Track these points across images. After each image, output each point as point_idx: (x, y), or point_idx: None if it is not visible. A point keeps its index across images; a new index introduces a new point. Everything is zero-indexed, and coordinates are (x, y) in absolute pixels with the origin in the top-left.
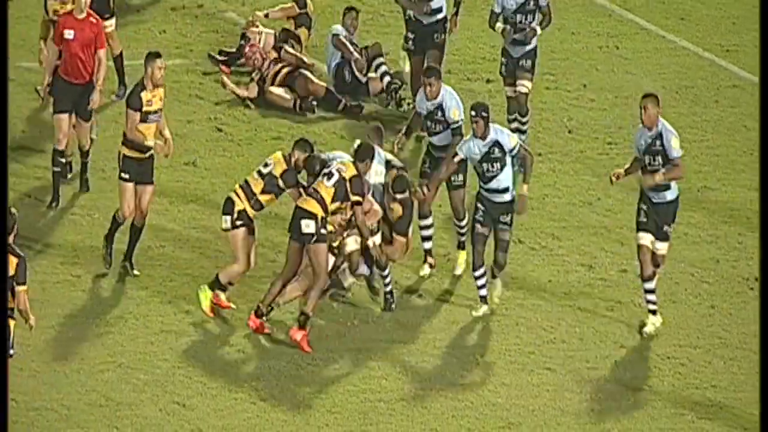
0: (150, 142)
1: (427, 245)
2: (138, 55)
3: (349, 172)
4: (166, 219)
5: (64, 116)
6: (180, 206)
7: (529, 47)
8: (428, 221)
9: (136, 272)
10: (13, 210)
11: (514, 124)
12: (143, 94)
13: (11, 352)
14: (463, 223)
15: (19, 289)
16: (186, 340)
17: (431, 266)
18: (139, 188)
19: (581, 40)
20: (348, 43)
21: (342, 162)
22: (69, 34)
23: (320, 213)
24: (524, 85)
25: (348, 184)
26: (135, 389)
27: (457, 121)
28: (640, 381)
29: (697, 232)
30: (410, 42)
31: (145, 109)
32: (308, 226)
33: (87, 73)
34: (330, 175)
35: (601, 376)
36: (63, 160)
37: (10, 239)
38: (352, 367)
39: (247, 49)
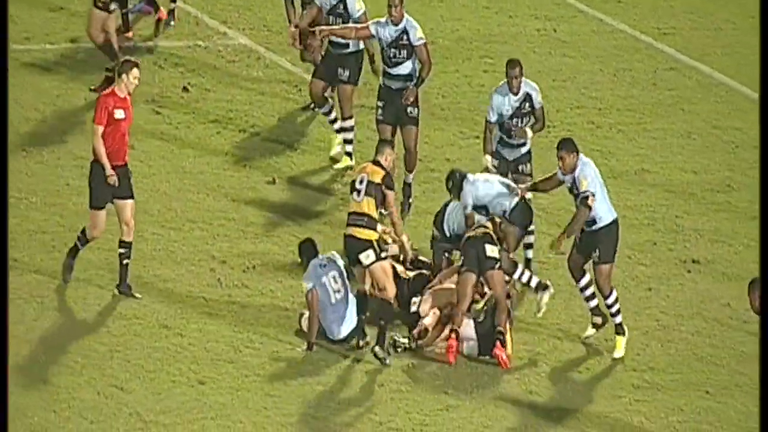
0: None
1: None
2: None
3: (377, 175)
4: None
5: (103, 212)
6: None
7: (524, 149)
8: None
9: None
10: None
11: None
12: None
13: None
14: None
15: None
16: (123, 323)
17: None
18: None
19: (519, 23)
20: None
21: (363, 169)
22: (120, 113)
23: (374, 237)
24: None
25: (382, 186)
26: (72, 373)
27: (422, 38)
28: (577, 364)
29: (634, 215)
30: None
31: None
32: (368, 257)
33: (126, 153)
34: (358, 191)
35: (539, 358)
36: (86, 245)
37: None
38: (292, 352)
39: None
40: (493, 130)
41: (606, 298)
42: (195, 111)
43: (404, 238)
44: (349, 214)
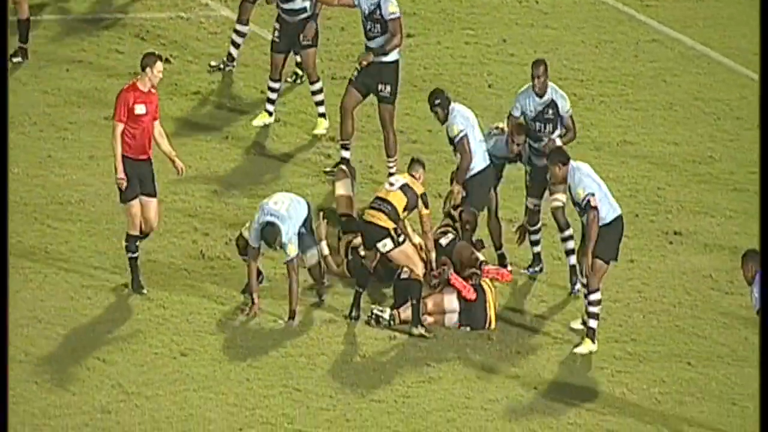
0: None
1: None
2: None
3: (417, 186)
4: (85, 173)
5: (137, 204)
6: (99, 161)
7: None
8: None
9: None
10: None
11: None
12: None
13: None
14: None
15: None
16: (106, 295)
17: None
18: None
19: None
20: None
21: (401, 176)
22: (141, 108)
23: (391, 225)
24: (559, 199)
25: (419, 198)
26: (55, 344)
27: (395, 12)
28: (558, 336)
29: (616, 187)
30: None
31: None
32: (385, 245)
33: (150, 148)
34: (392, 183)
35: (522, 326)
36: (138, 244)
37: None
38: (274, 324)
39: None
40: (514, 125)
41: (589, 294)
42: (177, 83)
43: (432, 255)
44: (376, 198)
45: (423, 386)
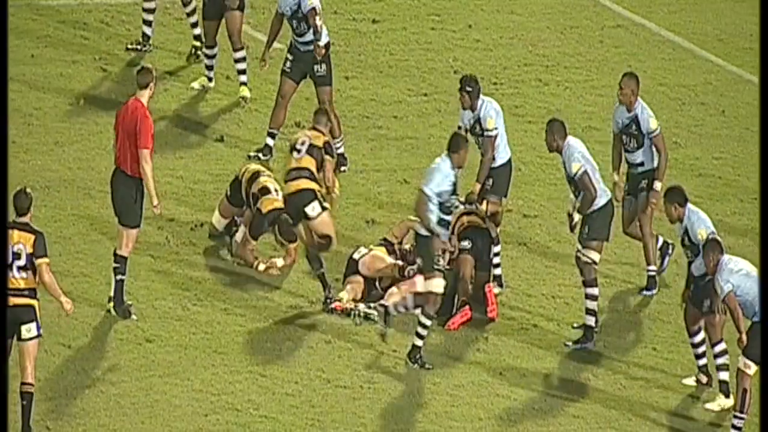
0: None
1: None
2: None
3: (318, 139)
4: (51, 159)
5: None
6: (65, 147)
7: (641, 168)
8: None
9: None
10: (28, 190)
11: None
12: None
13: (39, 332)
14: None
15: (38, 261)
16: (71, 281)
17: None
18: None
19: None
20: None
21: (305, 133)
22: None
23: (317, 187)
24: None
25: (323, 150)
26: None
27: (313, 6)
28: (524, 320)
29: None
30: None
31: None
32: (314, 209)
33: None
34: (298, 150)
35: (492, 321)
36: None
37: (28, 218)
38: (239, 309)
39: None
40: (616, 143)
41: (714, 346)
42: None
43: (336, 191)
44: (289, 170)
45: (389, 372)
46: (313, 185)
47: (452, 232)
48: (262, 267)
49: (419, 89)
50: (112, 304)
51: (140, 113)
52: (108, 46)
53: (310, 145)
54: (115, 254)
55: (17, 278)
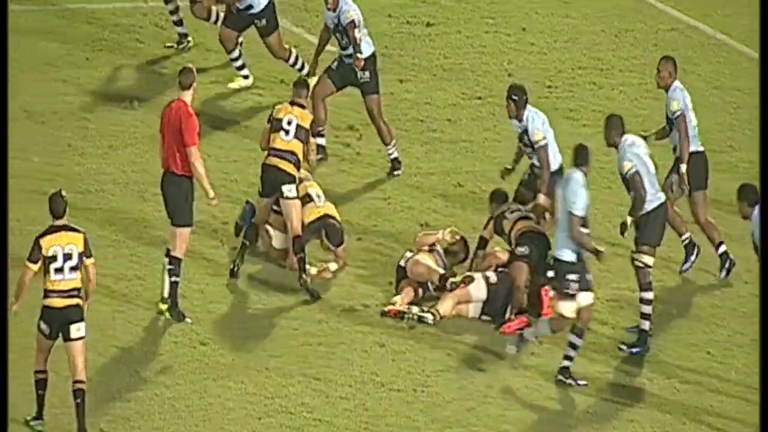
0: None
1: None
2: None
3: (306, 120)
4: (105, 162)
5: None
6: (119, 150)
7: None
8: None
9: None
10: (63, 193)
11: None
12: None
13: (83, 334)
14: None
15: (89, 261)
16: (125, 284)
17: None
18: None
19: None
20: None
21: (291, 111)
22: None
23: (296, 173)
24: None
25: (309, 132)
26: None
27: (352, 19)
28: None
29: None
30: None
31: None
32: (291, 191)
33: None
34: (287, 131)
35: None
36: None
37: (65, 221)
38: (294, 312)
39: None
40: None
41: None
42: (197, 71)
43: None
44: (273, 148)
45: (442, 375)
46: (295, 171)
47: (508, 238)
48: (314, 271)
49: (473, 92)
50: (165, 306)
51: (183, 112)
52: (162, 49)
53: (298, 126)
54: (169, 255)
55: (68, 279)
